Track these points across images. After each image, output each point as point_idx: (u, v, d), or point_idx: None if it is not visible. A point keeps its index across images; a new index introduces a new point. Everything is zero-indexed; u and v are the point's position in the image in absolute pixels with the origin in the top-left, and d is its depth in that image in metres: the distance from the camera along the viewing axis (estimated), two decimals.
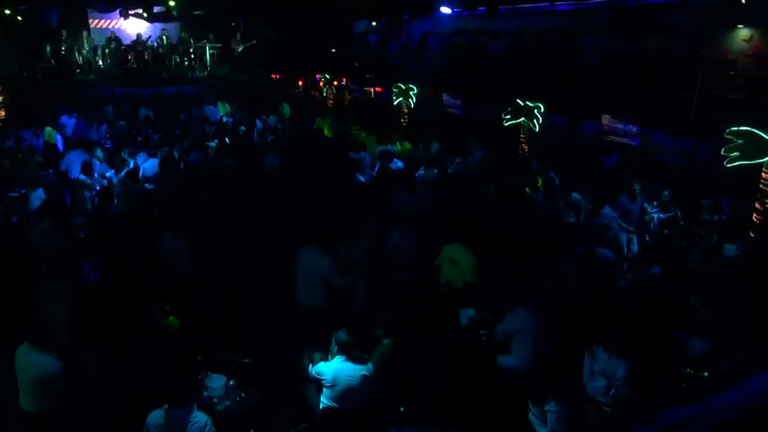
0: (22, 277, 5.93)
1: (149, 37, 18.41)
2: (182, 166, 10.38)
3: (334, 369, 4.70)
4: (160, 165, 9.64)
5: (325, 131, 14.55)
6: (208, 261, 6.96)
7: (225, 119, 15.33)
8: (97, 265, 6.64)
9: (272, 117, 15.82)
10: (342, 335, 4.76)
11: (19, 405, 4.43)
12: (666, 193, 8.03)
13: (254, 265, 7.03)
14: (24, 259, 6.35)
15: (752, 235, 7.71)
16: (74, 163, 9.81)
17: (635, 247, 8.15)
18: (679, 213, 7.98)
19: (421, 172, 9.71)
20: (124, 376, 4.89)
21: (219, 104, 16.60)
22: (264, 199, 8.86)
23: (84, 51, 16.94)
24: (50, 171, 9.73)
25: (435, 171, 9.71)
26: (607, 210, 7.92)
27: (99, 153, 10.12)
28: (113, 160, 10.13)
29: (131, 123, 14.24)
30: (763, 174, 7.59)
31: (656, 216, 8.06)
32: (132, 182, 8.85)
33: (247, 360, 5.35)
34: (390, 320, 5.08)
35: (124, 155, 10.12)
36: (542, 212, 8.15)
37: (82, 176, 9.30)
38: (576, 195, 8.28)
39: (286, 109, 16.83)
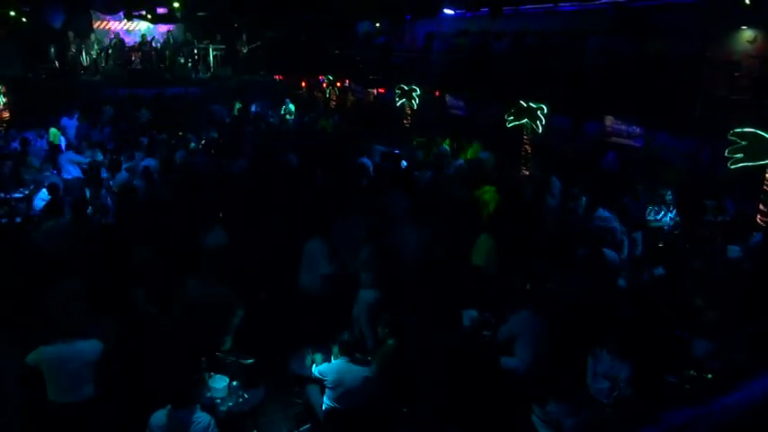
0: (26, 277, 5.94)
1: (153, 38, 18.46)
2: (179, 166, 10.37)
3: (336, 370, 4.71)
4: (160, 165, 9.64)
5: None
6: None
7: (226, 119, 15.34)
8: (100, 265, 6.63)
9: (274, 118, 15.84)
10: (344, 336, 4.78)
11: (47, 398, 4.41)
12: (669, 192, 8.03)
13: (256, 264, 7.02)
14: (27, 260, 6.36)
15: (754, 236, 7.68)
16: (63, 165, 9.84)
17: (626, 249, 8.14)
18: (675, 213, 7.99)
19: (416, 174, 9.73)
20: (127, 375, 4.90)
21: (237, 104, 16.64)
22: (265, 199, 8.84)
23: (93, 52, 17.01)
24: (53, 172, 9.76)
25: (429, 173, 9.71)
26: (600, 212, 7.90)
27: (99, 156, 10.14)
28: (113, 161, 10.14)
29: (134, 124, 14.26)
30: (767, 175, 7.57)
31: (667, 217, 8.07)
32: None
33: (250, 361, 5.34)
34: (395, 321, 5.08)
35: (123, 157, 10.13)
36: (554, 215, 8.14)
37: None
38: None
39: (291, 107, 16.81)
